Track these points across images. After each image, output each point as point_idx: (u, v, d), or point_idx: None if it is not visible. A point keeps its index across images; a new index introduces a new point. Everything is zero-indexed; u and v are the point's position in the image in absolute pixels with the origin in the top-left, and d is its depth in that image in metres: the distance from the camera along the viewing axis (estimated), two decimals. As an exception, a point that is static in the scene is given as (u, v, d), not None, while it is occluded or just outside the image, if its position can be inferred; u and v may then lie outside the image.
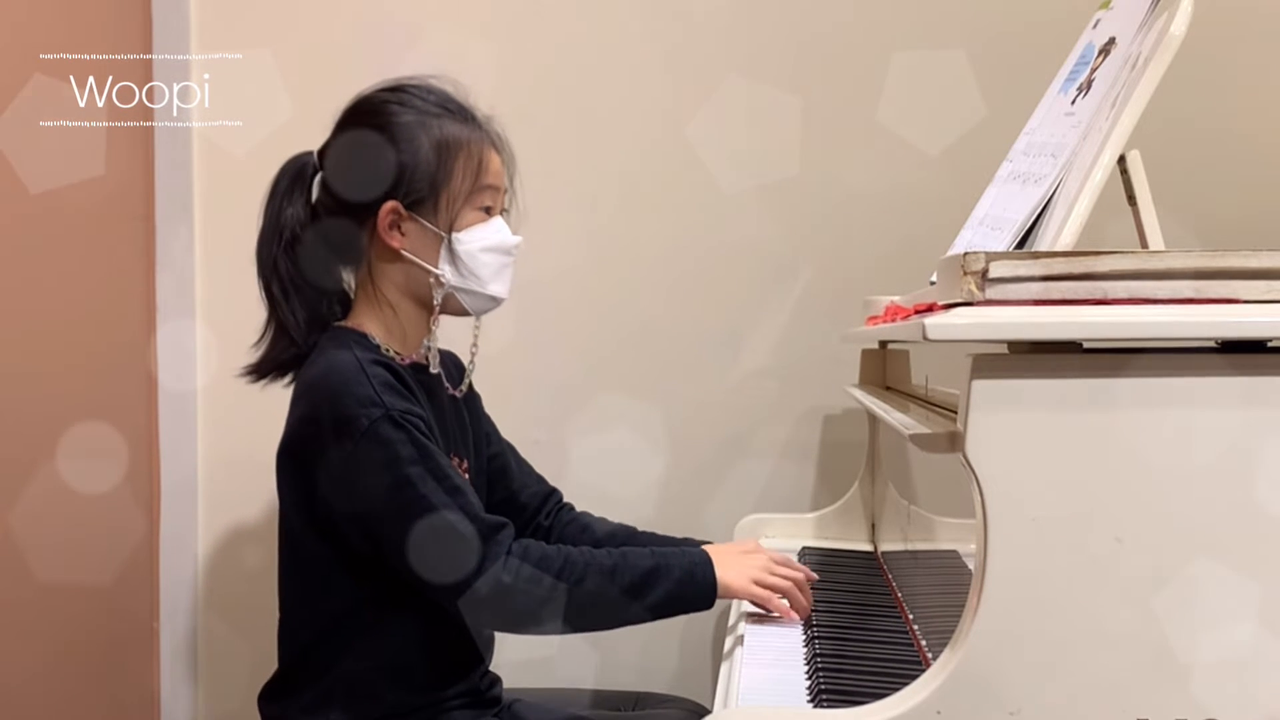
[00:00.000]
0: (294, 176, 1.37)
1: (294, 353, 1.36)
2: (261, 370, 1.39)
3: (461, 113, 1.37)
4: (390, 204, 1.32)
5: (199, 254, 1.95)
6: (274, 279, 1.35)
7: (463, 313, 1.39)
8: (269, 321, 1.38)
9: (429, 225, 1.33)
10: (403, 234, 1.34)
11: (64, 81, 1.72)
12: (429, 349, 1.38)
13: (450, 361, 1.50)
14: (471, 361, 1.45)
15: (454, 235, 1.34)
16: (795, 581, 1.34)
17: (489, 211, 1.37)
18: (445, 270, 1.34)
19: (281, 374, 1.38)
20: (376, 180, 1.32)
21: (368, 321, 1.37)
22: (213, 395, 1.97)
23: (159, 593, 1.97)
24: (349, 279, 1.40)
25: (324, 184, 1.36)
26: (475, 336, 1.43)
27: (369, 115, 1.36)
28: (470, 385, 1.49)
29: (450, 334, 1.44)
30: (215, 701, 2.00)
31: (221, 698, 2.00)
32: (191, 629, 1.98)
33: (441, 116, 1.35)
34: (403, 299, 1.37)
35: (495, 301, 1.39)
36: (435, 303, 1.36)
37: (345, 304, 1.40)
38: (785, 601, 1.34)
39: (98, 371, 1.82)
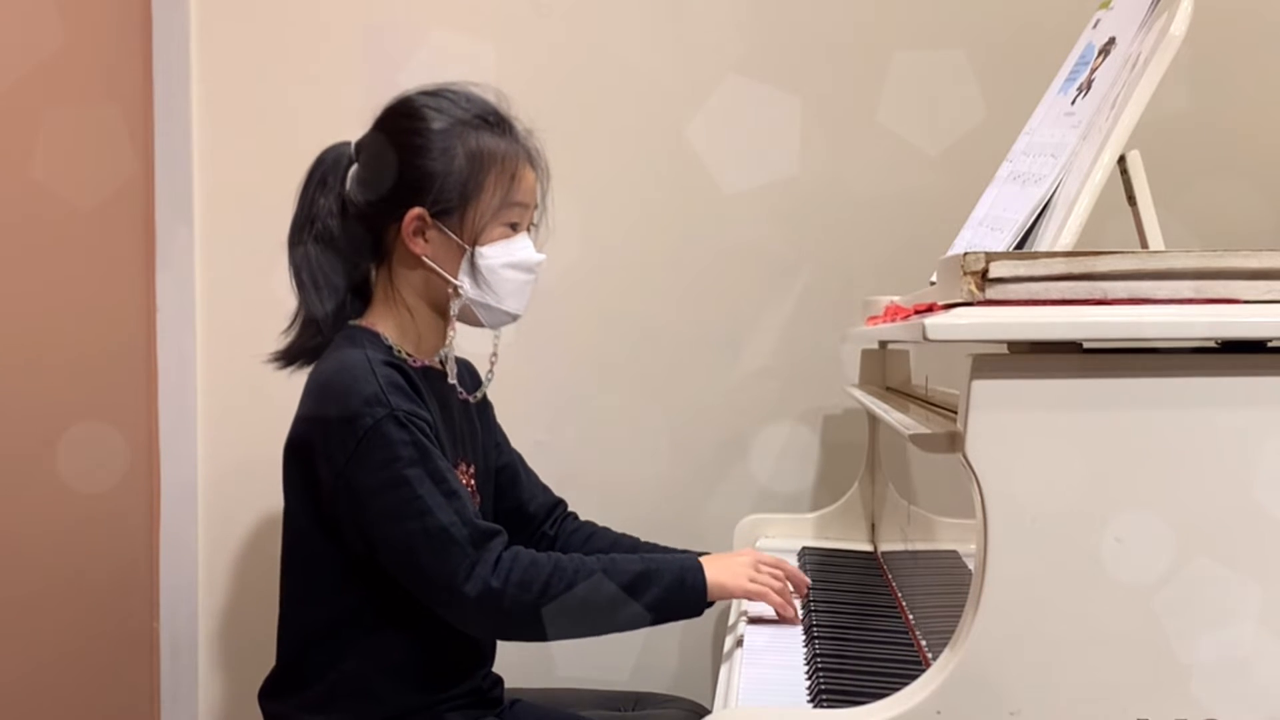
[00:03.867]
0: (329, 166, 1.37)
1: (320, 341, 1.36)
2: (289, 357, 1.39)
3: (500, 125, 1.36)
4: (416, 210, 1.32)
5: (199, 254, 1.95)
6: (304, 267, 1.35)
7: (477, 324, 1.39)
8: (298, 309, 1.38)
9: (453, 236, 1.33)
10: (426, 241, 1.34)
11: (64, 82, 1.72)
12: (445, 358, 1.38)
13: (463, 367, 1.50)
14: (490, 371, 1.45)
15: (477, 249, 1.33)
16: (782, 580, 1.35)
17: (515, 228, 1.36)
18: (464, 282, 1.34)
19: (307, 362, 1.39)
20: (406, 185, 1.32)
21: (383, 321, 1.37)
22: (213, 395, 1.97)
23: (159, 593, 1.97)
24: (374, 274, 1.40)
25: (356, 179, 1.36)
26: (495, 346, 1.43)
27: (406, 118, 1.35)
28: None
29: (462, 339, 1.44)
30: (215, 701, 2.00)
31: (221, 698, 2.00)
32: (191, 629, 1.98)
33: (479, 128, 1.34)
34: (420, 304, 1.37)
35: (511, 317, 1.39)
36: (452, 313, 1.36)
37: (369, 298, 1.40)
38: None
39: (98, 371, 1.81)
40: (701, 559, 1.33)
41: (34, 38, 1.66)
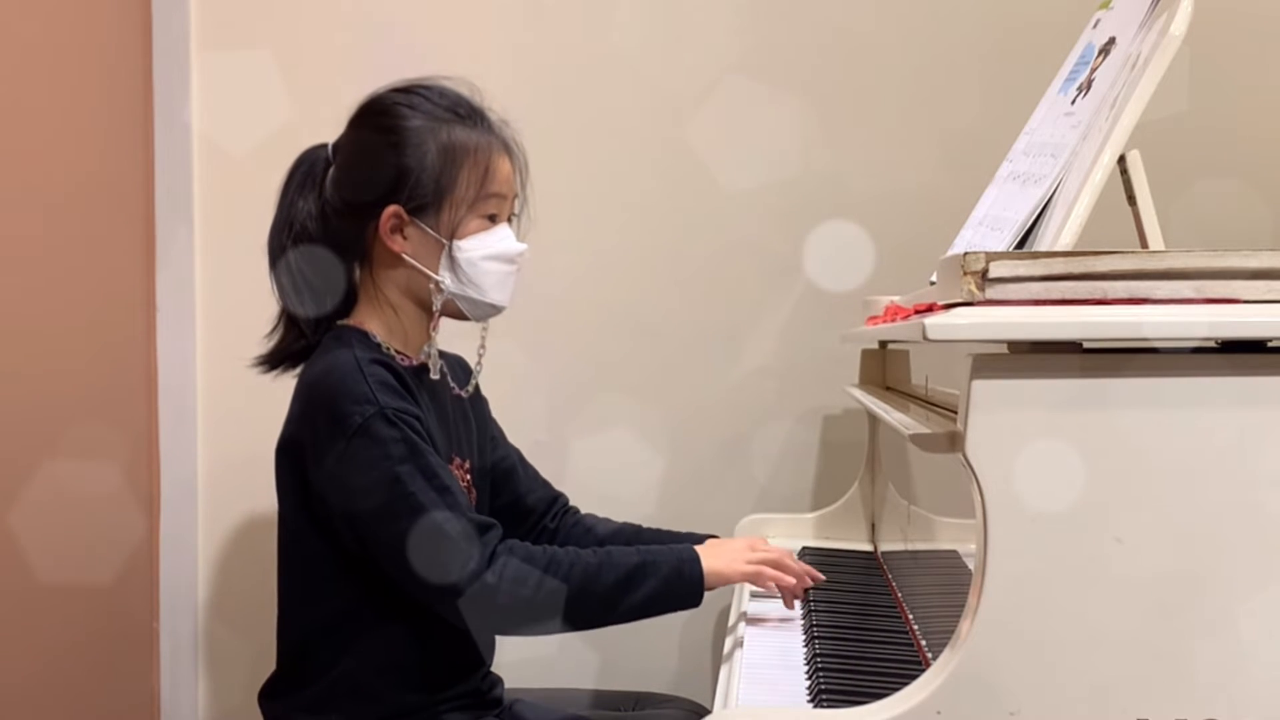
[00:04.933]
0: (307, 169, 1.37)
1: (304, 344, 1.37)
2: (273, 361, 1.40)
3: (473, 117, 1.36)
4: (392, 208, 1.32)
5: (199, 254, 1.95)
6: (285, 270, 1.35)
7: (463, 317, 1.39)
8: (281, 313, 1.38)
9: (430, 232, 1.33)
10: (405, 238, 1.33)
11: (64, 81, 1.72)
12: (429, 353, 1.37)
13: (455, 362, 1.50)
14: (478, 364, 1.45)
15: (455, 243, 1.33)
16: (780, 557, 1.36)
17: (494, 219, 1.36)
18: (445, 277, 1.34)
19: (292, 365, 1.39)
20: (381, 183, 1.32)
21: (370, 320, 1.37)
22: (213, 395, 1.97)
23: (159, 593, 1.97)
24: (357, 275, 1.40)
25: (332, 180, 1.36)
26: (483, 338, 1.43)
27: (378, 116, 1.35)
28: (477, 387, 1.49)
29: (458, 335, 1.44)
30: (215, 701, 2.00)
31: (221, 698, 2.00)
32: (191, 629, 1.98)
33: (451, 121, 1.34)
34: (404, 300, 1.37)
35: (495, 309, 1.38)
36: (435, 308, 1.35)
37: (354, 298, 1.40)
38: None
39: (98, 371, 1.81)
40: (699, 547, 1.33)
41: (34, 37, 1.66)
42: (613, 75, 1.94)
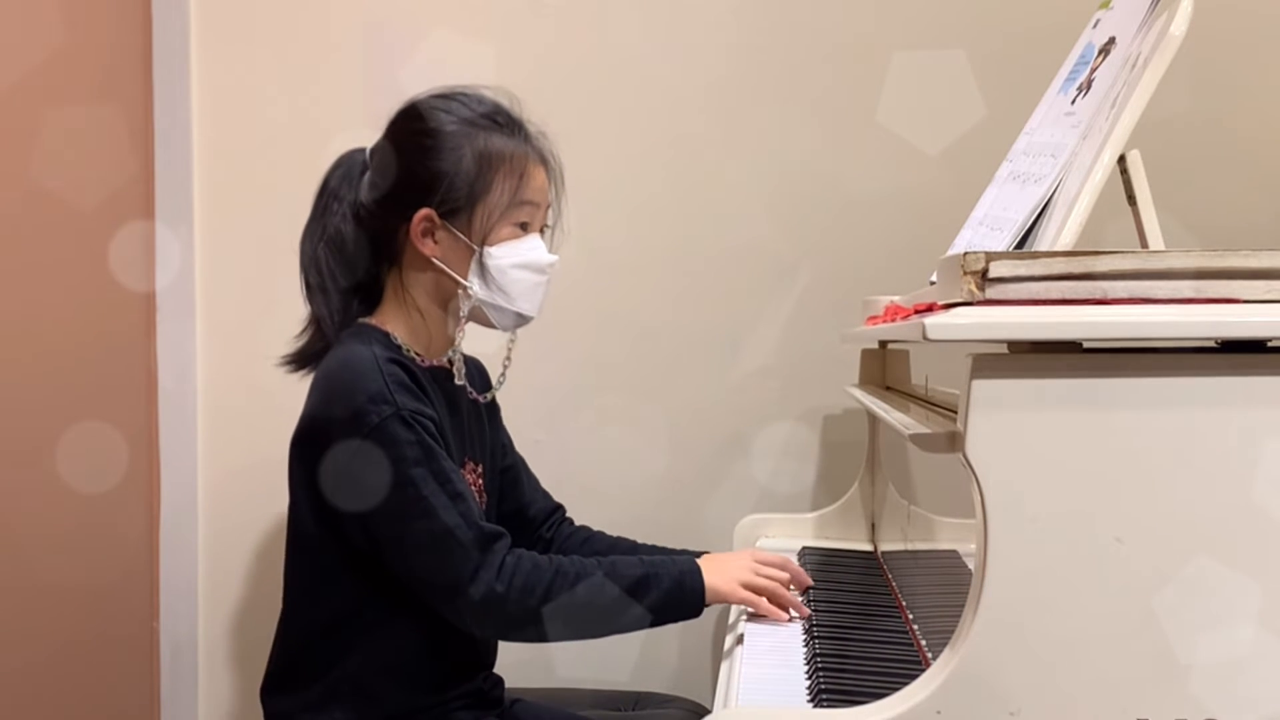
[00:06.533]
0: (344, 172, 1.38)
1: (327, 345, 1.37)
2: (300, 361, 1.40)
3: (510, 125, 1.36)
4: (425, 211, 1.32)
5: (199, 254, 1.96)
6: (313, 272, 1.36)
7: (490, 325, 1.39)
8: (311, 315, 1.38)
9: (461, 237, 1.33)
10: (436, 242, 1.34)
11: (64, 81, 1.72)
12: (452, 357, 1.37)
13: (473, 366, 1.49)
14: (502, 375, 1.45)
15: (486, 249, 1.33)
16: (780, 581, 1.36)
17: (526, 228, 1.36)
18: (474, 283, 1.34)
19: (318, 365, 1.38)
20: (414, 185, 1.32)
21: (393, 321, 1.37)
22: (213, 395, 1.97)
23: (159, 593, 1.97)
24: (386, 277, 1.40)
25: (368, 183, 1.36)
26: (509, 349, 1.43)
27: (416, 120, 1.35)
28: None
29: (480, 340, 1.44)
30: (215, 701, 2.00)
31: (221, 698, 2.00)
32: (191, 629, 1.98)
33: (489, 129, 1.34)
34: (431, 305, 1.37)
35: (523, 319, 1.38)
36: (461, 314, 1.35)
37: (380, 300, 1.40)
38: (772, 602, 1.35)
39: (98, 371, 1.82)
40: (701, 560, 1.33)
41: (34, 38, 1.66)
42: (613, 76, 1.93)
